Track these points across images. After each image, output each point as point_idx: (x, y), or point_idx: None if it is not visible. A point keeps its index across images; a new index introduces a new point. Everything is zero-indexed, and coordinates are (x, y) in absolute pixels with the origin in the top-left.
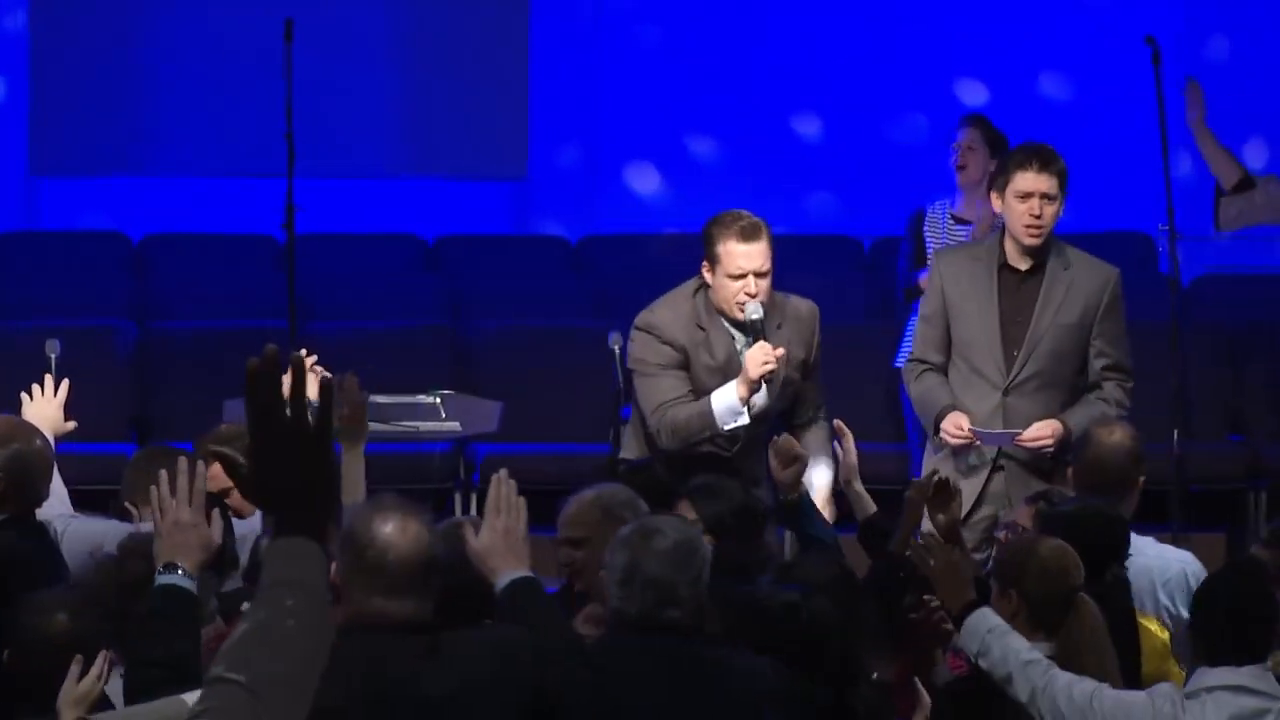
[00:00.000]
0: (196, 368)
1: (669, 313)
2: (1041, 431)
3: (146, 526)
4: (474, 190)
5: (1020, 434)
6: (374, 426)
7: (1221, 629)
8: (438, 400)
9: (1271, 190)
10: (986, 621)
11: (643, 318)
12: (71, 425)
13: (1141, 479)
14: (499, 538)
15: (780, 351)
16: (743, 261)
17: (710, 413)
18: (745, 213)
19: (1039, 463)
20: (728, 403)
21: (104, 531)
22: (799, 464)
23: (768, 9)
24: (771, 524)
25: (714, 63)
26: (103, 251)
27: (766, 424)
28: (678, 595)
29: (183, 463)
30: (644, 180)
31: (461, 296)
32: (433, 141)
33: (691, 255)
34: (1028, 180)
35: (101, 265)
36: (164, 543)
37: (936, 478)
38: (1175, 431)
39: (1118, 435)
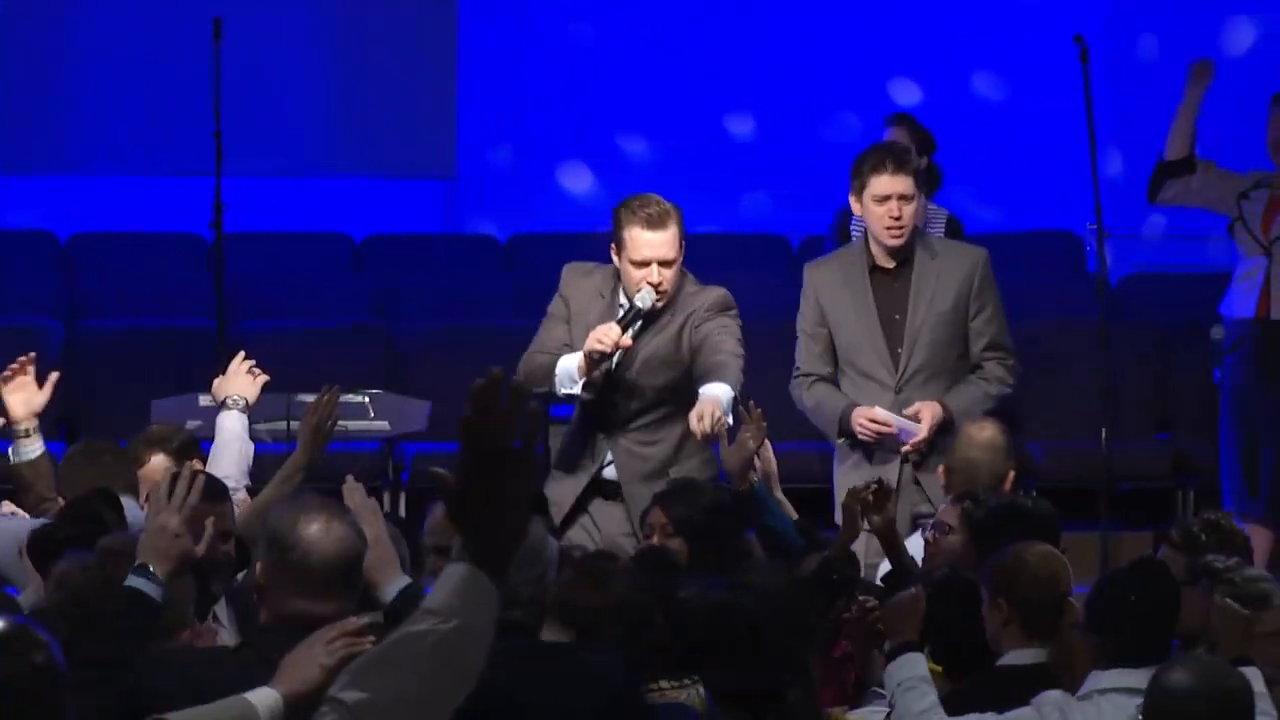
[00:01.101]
0: (124, 367)
1: (580, 274)
2: (922, 418)
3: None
4: (403, 189)
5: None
6: None
7: (1119, 629)
8: (366, 399)
9: (1210, 177)
10: (902, 673)
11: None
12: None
13: (1011, 474)
14: (376, 550)
15: (626, 340)
16: (647, 250)
17: (552, 370)
18: (655, 198)
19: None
20: (568, 368)
21: (30, 530)
22: (745, 452)
23: (700, 9)
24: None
25: (647, 62)
26: (30, 250)
27: (669, 404)
28: (519, 595)
29: (187, 469)
30: (576, 179)
31: (389, 295)
32: (361, 140)
33: None
34: (883, 183)
35: (29, 264)
36: (145, 541)
37: (873, 484)
38: (1104, 430)
39: (987, 432)
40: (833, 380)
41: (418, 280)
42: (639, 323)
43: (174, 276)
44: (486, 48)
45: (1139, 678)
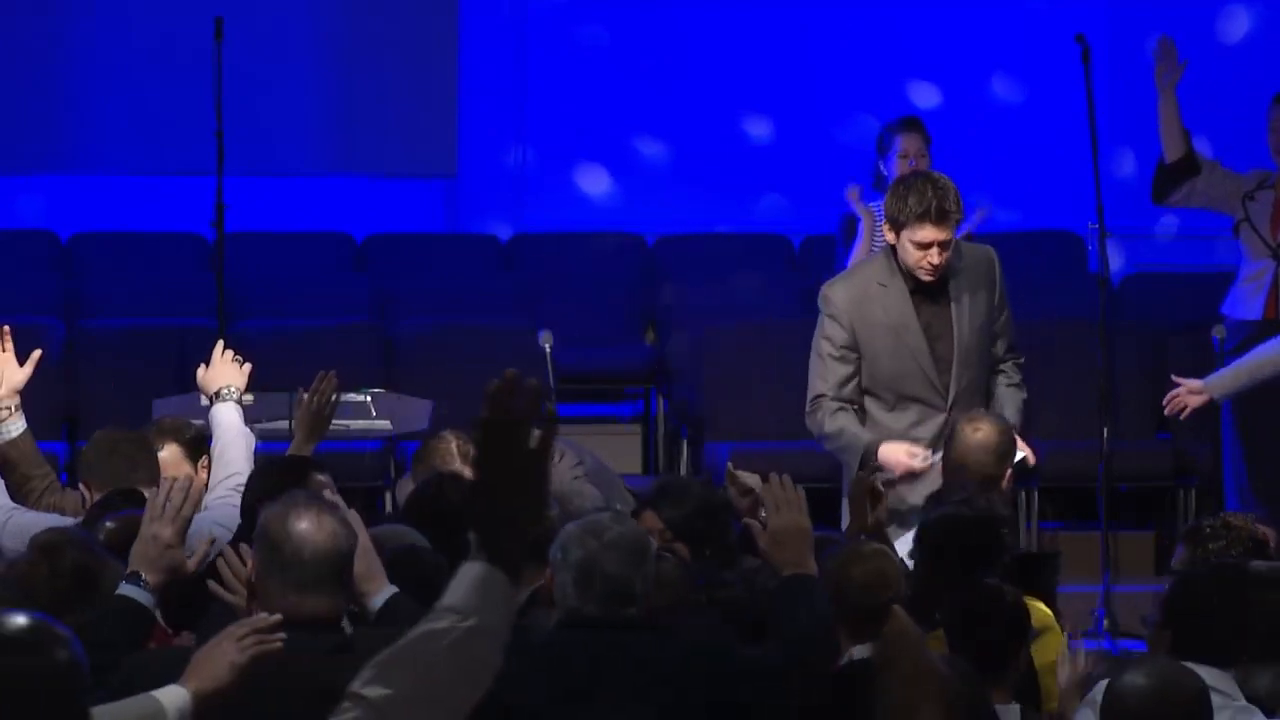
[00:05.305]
0: (125, 366)
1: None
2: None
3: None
4: (404, 188)
5: None
6: None
7: (1195, 626)
8: (368, 399)
9: (1215, 178)
10: None
11: None
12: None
13: (1007, 473)
14: (363, 560)
15: None
16: None
17: None
18: None
19: None
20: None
21: (47, 525)
22: (755, 495)
23: (716, 10)
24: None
25: (662, 64)
26: (31, 249)
27: None
28: (633, 591)
29: (182, 483)
30: (587, 181)
31: (391, 295)
32: (362, 139)
33: (621, 253)
34: (926, 232)
35: (30, 263)
36: (138, 549)
37: (880, 475)
38: (1104, 430)
39: (982, 432)
40: (857, 406)
41: (418, 280)
42: None
43: (175, 276)
44: (488, 47)
45: (1215, 677)
